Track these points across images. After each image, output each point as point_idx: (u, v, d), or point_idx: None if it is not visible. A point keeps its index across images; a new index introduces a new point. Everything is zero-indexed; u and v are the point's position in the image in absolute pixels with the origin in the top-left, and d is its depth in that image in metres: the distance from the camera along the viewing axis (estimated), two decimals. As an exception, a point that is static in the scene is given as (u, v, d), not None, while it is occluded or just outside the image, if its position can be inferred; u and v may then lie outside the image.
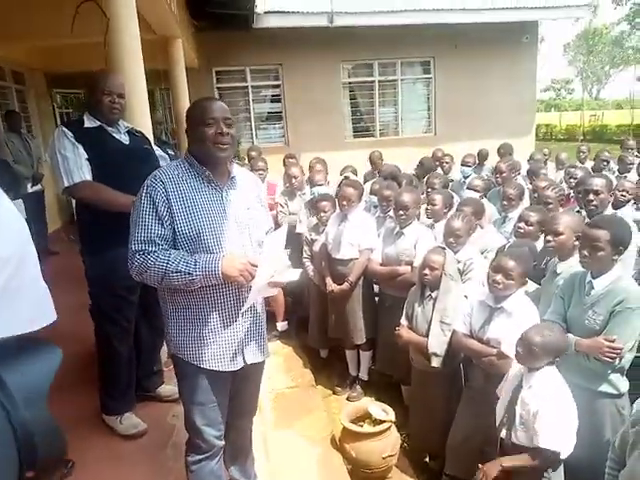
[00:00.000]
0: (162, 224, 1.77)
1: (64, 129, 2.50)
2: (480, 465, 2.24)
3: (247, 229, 1.92)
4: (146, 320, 2.88)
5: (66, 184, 2.46)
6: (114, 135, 2.63)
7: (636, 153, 6.32)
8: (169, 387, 3.04)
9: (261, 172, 4.93)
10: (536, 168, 5.39)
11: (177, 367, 1.99)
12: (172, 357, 1.98)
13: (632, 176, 5.20)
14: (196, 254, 1.77)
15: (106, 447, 2.61)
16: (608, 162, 5.76)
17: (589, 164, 6.02)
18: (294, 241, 4.23)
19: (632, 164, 5.50)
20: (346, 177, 4.97)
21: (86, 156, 2.47)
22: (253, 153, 6.22)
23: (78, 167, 2.45)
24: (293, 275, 2.02)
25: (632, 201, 4.00)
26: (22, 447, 0.41)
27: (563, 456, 2.06)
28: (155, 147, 3.00)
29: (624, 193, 3.92)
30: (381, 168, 5.97)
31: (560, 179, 5.35)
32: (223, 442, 2.06)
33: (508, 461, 2.16)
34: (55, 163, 2.48)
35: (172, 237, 1.79)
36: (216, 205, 1.85)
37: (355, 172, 5.99)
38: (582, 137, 24.63)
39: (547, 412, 2.03)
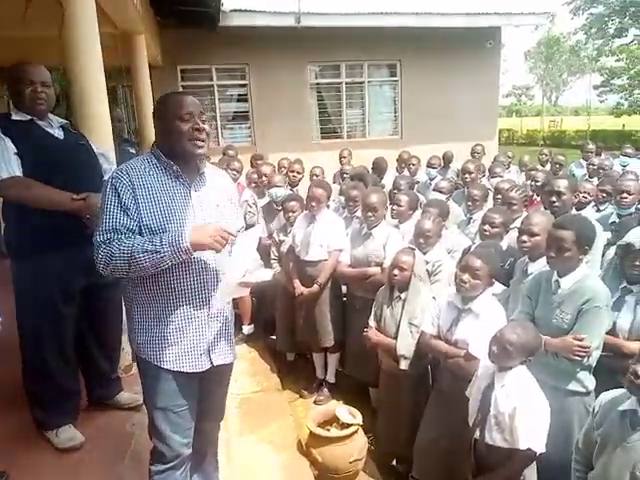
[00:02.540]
0: (127, 215, 1.70)
1: None
2: None
3: None
4: (93, 333, 2.71)
5: None
6: (47, 129, 2.43)
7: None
8: (127, 394, 2.90)
9: (235, 173, 4.80)
10: (493, 167, 5.55)
11: (141, 369, 1.89)
12: (136, 358, 1.88)
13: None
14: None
15: (57, 460, 2.46)
16: (562, 165, 5.94)
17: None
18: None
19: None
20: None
21: (15, 150, 2.26)
22: (231, 152, 6.09)
23: (6, 162, 2.23)
24: (265, 275, 1.98)
25: (592, 203, 4.10)
26: None
27: (538, 453, 2.04)
28: (93, 145, 2.70)
29: (586, 195, 4.00)
30: (347, 166, 5.96)
31: (523, 181, 5.46)
32: (190, 450, 1.96)
33: (500, 476, 2.13)
34: None
35: (137, 229, 1.71)
36: (183, 201, 1.79)
37: (322, 172, 5.94)
38: (542, 142, 25.45)
39: (523, 412, 2.00)
